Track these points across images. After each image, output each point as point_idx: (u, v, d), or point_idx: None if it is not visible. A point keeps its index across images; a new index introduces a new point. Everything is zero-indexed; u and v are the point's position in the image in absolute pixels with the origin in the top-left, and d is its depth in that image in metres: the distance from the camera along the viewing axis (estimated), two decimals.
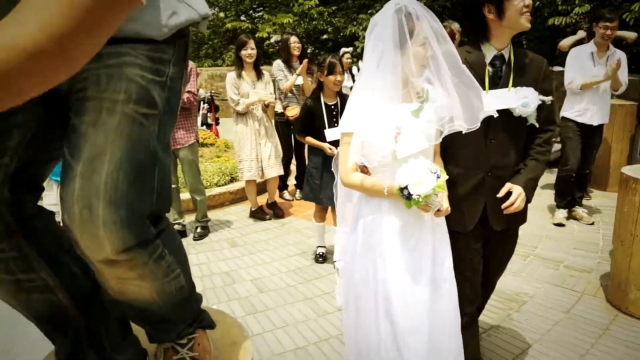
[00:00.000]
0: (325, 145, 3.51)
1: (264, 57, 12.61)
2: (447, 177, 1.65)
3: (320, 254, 3.78)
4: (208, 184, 5.47)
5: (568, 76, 4.31)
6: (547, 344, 2.58)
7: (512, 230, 2.15)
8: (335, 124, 3.54)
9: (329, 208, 3.67)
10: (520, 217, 2.10)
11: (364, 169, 1.79)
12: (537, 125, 1.97)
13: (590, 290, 3.18)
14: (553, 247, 3.89)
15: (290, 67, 5.19)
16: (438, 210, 1.69)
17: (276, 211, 5.00)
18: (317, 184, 3.58)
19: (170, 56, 1.10)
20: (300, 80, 5.11)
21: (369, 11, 11.92)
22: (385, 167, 1.70)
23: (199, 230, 4.48)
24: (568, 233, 4.21)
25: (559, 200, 4.48)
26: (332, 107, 3.59)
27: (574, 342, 2.60)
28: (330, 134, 3.54)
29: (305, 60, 5.06)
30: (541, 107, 1.94)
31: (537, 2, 8.08)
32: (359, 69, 7.38)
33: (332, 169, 2.96)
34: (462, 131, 1.68)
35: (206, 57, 16.24)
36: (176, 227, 4.37)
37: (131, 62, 1.02)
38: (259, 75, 4.67)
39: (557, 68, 5.87)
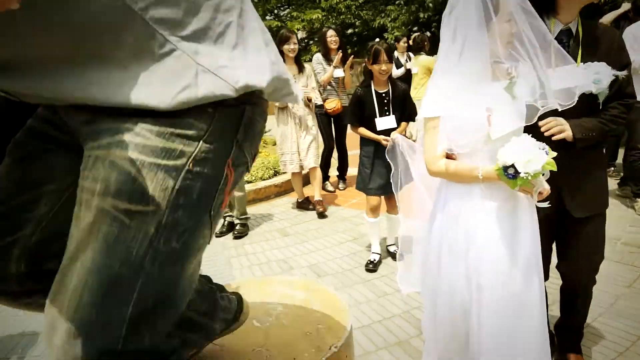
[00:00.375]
0: (381, 137, 3.37)
1: None
2: (555, 154, 1.50)
3: (373, 260, 3.52)
4: (253, 178, 5.61)
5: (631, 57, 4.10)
6: (612, 317, 2.58)
7: (595, 216, 2.00)
8: (387, 113, 3.47)
9: (382, 200, 3.55)
10: (601, 201, 2.00)
11: (449, 155, 1.70)
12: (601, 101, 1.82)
13: None
14: (608, 225, 3.79)
15: (329, 60, 5.25)
16: (539, 192, 1.57)
17: (317, 209, 4.82)
18: (368, 172, 3.49)
19: (201, 131, 0.83)
20: (339, 73, 5.18)
21: (397, 2, 11.89)
22: (476, 151, 1.62)
23: (238, 227, 4.42)
24: (622, 211, 4.15)
25: (638, 188, 4.18)
26: (384, 95, 3.47)
27: (639, 314, 2.59)
28: (382, 122, 3.46)
29: (339, 53, 5.11)
30: (614, 83, 1.79)
31: None
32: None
33: (388, 158, 2.89)
34: (557, 109, 1.61)
35: None
36: (227, 219, 4.49)
37: (125, 141, 0.79)
38: (301, 69, 4.73)
39: None
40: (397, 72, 7.33)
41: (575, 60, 1.79)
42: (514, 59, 1.61)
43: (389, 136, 3.27)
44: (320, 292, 1.44)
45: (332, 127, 5.46)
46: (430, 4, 11.03)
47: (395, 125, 3.46)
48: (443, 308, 1.76)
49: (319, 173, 4.95)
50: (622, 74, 1.80)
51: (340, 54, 5.11)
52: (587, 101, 1.79)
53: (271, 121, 5.08)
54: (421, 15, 11.23)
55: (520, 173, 1.43)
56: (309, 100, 4.69)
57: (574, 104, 1.62)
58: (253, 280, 1.65)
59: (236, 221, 4.47)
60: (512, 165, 1.45)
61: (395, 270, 3.19)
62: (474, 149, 1.61)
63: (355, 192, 5.51)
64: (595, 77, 1.75)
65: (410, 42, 7.30)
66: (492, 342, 1.62)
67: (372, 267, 3.47)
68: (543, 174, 1.50)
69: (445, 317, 1.76)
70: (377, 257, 3.54)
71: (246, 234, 4.42)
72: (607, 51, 1.82)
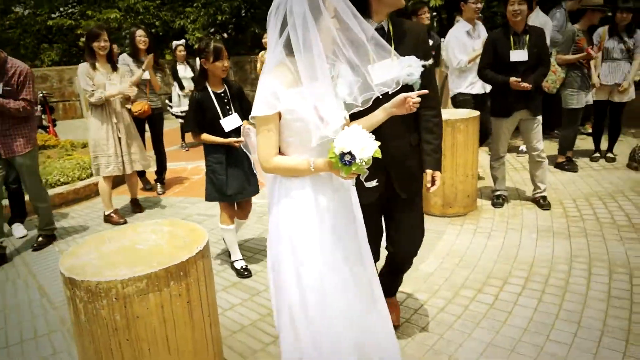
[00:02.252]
0: (231, 140, 3.18)
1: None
2: (379, 143, 1.57)
3: (244, 267, 3.41)
4: (70, 179, 5.61)
5: (455, 57, 4.79)
6: None
7: (416, 196, 2.27)
8: (230, 112, 3.28)
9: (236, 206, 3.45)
10: (420, 182, 2.25)
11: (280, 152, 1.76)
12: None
13: None
14: None
15: (138, 61, 5.14)
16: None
17: (135, 209, 4.99)
18: (223, 179, 3.26)
19: None
20: (147, 75, 5.03)
21: (195, 4, 12.34)
22: (306, 146, 1.70)
23: (40, 239, 4.18)
24: None
25: None
26: (222, 94, 3.28)
27: None
28: (227, 123, 3.25)
29: (151, 55, 4.98)
30: (424, 73, 1.96)
31: None
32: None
33: (246, 151, 2.50)
34: (379, 97, 1.79)
35: (19, 58, 14.90)
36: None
37: None
38: (114, 67, 4.58)
39: None
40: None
41: (389, 54, 1.93)
42: (335, 56, 1.69)
43: (237, 136, 3.19)
44: (182, 225, 2.02)
45: (146, 130, 5.39)
46: (227, 8, 11.80)
47: (241, 123, 3.27)
48: (280, 297, 1.80)
49: (136, 179, 5.02)
50: (428, 62, 1.98)
51: (151, 56, 4.98)
52: (406, 90, 1.92)
53: (68, 126, 5.04)
54: (219, 17, 11.91)
55: (356, 159, 1.52)
56: (128, 99, 4.60)
57: (396, 89, 1.82)
58: (125, 226, 2.13)
59: (40, 232, 4.22)
60: (349, 152, 1.52)
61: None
62: (304, 144, 1.69)
63: (177, 182, 5.98)
64: (408, 69, 1.90)
65: None
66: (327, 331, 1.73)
67: (248, 273, 3.38)
68: None
69: (281, 307, 1.80)
70: (244, 263, 3.46)
71: (49, 244, 4.20)
72: (414, 45, 2.03)
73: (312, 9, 1.55)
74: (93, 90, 4.37)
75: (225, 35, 15.03)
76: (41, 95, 8.95)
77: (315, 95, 1.62)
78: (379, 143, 1.57)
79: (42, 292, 3.36)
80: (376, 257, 2.35)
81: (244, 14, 13.48)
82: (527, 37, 3.94)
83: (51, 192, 5.21)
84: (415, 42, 2.04)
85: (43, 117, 8.70)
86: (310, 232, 1.72)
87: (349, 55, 1.66)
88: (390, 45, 1.92)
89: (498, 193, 4.47)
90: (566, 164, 5.37)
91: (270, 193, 1.84)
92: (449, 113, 4.35)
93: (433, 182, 2.16)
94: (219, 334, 1.99)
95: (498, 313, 2.74)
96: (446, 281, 3.15)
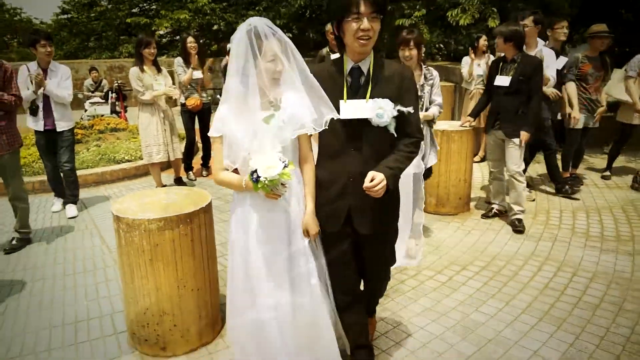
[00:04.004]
0: None
1: (158, 49, 13.56)
2: (294, 167, 1.77)
3: None
4: (133, 157, 6.68)
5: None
6: None
7: (380, 235, 2.19)
8: None
9: None
10: (385, 221, 2.19)
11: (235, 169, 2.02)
12: (396, 134, 2.03)
13: None
14: None
15: (188, 63, 5.83)
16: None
17: (179, 186, 5.63)
18: None
19: None
20: (198, 74, 5.81)
21: (257, 7, 13.42)
22: (245, 166, 1.92)
23: (14, 242, 4.16)
24: None
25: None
26: None
27: None
28: None
29: (197, 57, 5.79)
30: (402, 119, 2.00)
31: (390, 7, 10.10)
32: None
33: None
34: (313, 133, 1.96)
35: (101, 48, 16.71)
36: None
37: None
38: (159, 69, 5.40)
39: None
40: None
41: (365, 95, 1.99)
42: (284, 91, 1.92)
43: None
44: (196, 191, 2.85)
45: (195, 122, 6.11)
46: (285, 13, 12.76)
47: None
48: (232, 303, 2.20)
49: (180, 162, 5.91)
50: (408, 109, 2.00)
51: (196, 58, 5.75)
52: (380, 133, 2.01)
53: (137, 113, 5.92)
54: (277, 22, 12.89)
55: (260, 177, 1.71)
56: (170, 98, 5.47)
57: (326, 129, 1.93)
58: (159, 189, 3.00)
59: (14, 234, 4.22)
60: (256, 171, 1.73)
61: None
62: (243, 164, 1.93)
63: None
64: (378, 111, 1.95)
65: None
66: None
67: None
68: (283, 184, 1.80)
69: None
70: None
71: (22, 248, 4.18)
72: (397, 89, 2.01)
73: (251, 53, 1.82)
74: (143, 91, 5.19)
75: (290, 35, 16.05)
76: (117, 84, 10.24)
77: (251, 124, 1.89)
78: (292, 167, 1.80)
79: (102, 240, 4.40)
80: (349, 285, 2.30)
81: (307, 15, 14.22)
82: (515, 66, 4.26)
83: (117, 167, 6.34)
84: (397, 86, 2.02)
85: (117, 103, 9.98)
86: (241, 244, 2.05)
87: (297, 91, 1.91)
88: (368, 86, 2.00)
89: (492, 206, 4.83)
90: (570, 180, 5.76)
91: (233, 201, 2.16)
92: (447, 124, 4.96)
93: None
94: (216, 267, 2.80)
95: (446, 289, 3.40)
96: None
